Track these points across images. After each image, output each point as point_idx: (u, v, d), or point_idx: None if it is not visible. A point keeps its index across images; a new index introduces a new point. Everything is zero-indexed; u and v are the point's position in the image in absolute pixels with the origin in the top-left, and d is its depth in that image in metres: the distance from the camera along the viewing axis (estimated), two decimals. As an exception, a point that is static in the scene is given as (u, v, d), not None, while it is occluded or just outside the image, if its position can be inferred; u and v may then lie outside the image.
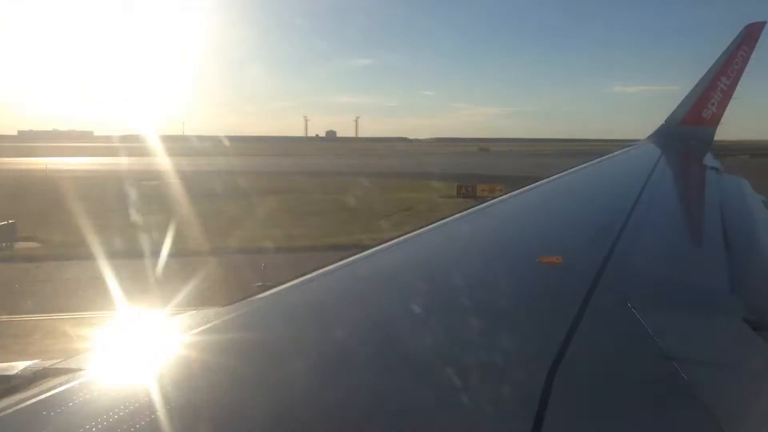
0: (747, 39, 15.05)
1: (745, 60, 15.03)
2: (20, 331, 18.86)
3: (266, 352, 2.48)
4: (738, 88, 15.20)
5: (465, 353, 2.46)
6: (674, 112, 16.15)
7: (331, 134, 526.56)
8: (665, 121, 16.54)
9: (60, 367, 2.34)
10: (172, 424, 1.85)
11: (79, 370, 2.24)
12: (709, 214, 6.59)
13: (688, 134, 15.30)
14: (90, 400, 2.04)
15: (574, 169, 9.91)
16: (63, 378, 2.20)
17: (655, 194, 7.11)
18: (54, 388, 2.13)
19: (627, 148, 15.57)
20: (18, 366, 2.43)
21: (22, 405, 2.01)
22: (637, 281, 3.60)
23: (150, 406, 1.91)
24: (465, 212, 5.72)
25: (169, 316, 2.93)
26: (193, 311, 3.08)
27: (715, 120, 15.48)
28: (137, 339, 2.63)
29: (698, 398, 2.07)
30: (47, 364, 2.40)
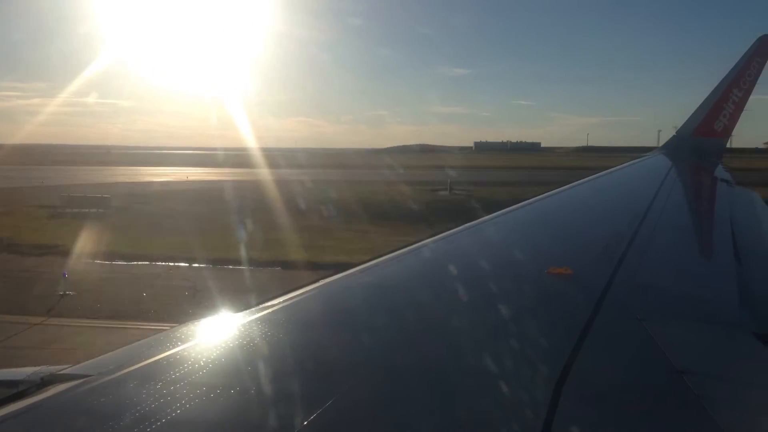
0: (759, 51, 14.97)
1: (758, 72, 14.94)
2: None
3: (277, 358, 2.48)
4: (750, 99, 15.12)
5: (474, 362, 2.46)
6: (686, 123, 16.05)
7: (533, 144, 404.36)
8: (676, 133, 16.46)
9: (67, 373, 2.35)
10: (179, 431, 1.86)
11: (87, 376, 2.25)
12: (720, 227, 6.55)
13: (699, 146, 15.21)
14: (96, 407, 2.05)
15: (585, 180, 9.88)
16: (70, 384, 2.21)
17: (665, 206, 7.07)
18: (61, 393, 2.14)
19: (638, 159, 15.50)
20: (26, 371, 2.45)
21: (30, 410, 2.03)
22: (646, 293, 3.58)
23: (155, 413, 1.92)
24: (475, 222, 5.71)
25: (180, 322, 2.93)
26: (205, 318, 3.09)
27: (727, 131, 15.39)
28: (145, 346, 2.63)
29: (707, 412, 2.06)
30: (54, 369, 2.42)
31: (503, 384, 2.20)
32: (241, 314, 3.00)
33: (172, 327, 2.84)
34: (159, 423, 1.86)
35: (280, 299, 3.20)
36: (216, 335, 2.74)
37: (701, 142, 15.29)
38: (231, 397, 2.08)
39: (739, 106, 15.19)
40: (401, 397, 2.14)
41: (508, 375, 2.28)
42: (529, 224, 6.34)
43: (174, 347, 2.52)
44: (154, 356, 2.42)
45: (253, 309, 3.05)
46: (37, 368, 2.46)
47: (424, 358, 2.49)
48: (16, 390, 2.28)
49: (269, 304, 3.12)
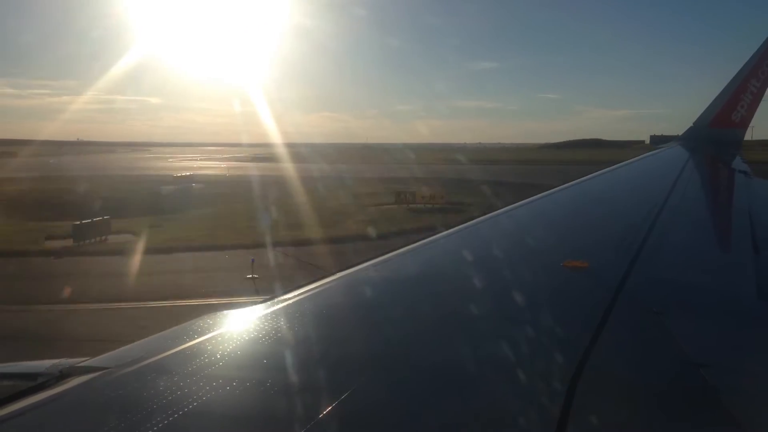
0: None
1: None
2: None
3: (295, 351, 2.49)
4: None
5: (491, 354, 2.45)
6: (703, 114, 15.86)
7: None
8: (693, 124, 16.27)
9: (86, 365, 2.37)
10: (197, 423, 1.87)
11: (105, 368, 2.27)
12: (738, 219, 6.47)
13: (716, 137, 15.03)
14: (115, 399, 2.07)
15: (601, 172, 9.81)
16: (89, 376, 2.23)
17: (682, 198, 7.00)
18: (80, 386, 2.16)
19: (654, 151, 15.35)
20: (44, 364, 2.47)
21: (49, 403, 2.05)
22: (663, 286, 3.55)
23: (174, 406, 1.93)
24: (491, 215, 5.69)
25: (199, 313, 2.95)
26: (224, 310, 3.10)
27: (745, 122, 15.18)
28: (163, 338, 2.65)
29: (725, 405, 2.04)
30: (73, 362, 2.44)
31: (520, 376, 2.20)
32: (259, 306, 3.01)
33: (192, 319, 2.85)
34: (178, 415, 1.88)
35: (297, 292, 3.21)
36: (234, 327, 2.76)
37: (719, 133, 15.10)
38: (249, 390, 2.09)
39: (757, 97, 14.98)
40: (419, 387, 2.14)
41: (525, 367, 2.27)
42: (545, 217, 6.31)
43: (192, 340, 2.54)
44: (173, 348, 2.44)
45: (270, 301, 3.07)
46: (56, 361, 2.48)
47: (441, 349, 2.49)
48: (35, 383, 2.30)
49: (286, 296, 3.13)
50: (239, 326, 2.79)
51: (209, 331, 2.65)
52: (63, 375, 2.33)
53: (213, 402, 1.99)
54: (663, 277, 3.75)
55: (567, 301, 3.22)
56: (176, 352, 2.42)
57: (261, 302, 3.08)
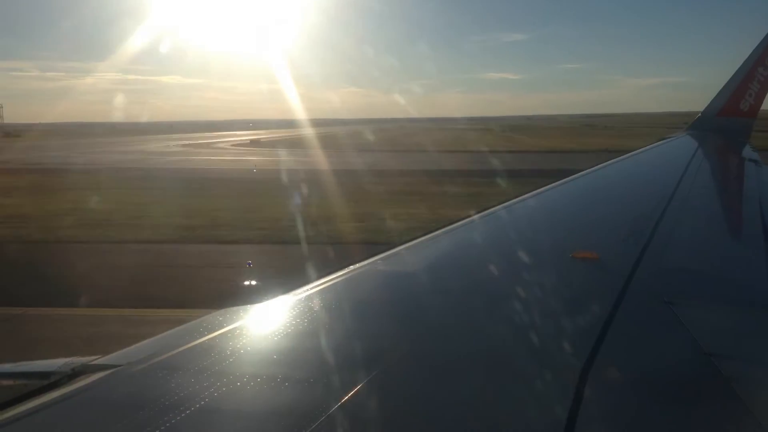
0: None
1: None
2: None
3: (309, 346, 2.50)
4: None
5: (501, 345, 2.45)
6: (711, 103, 15.75)
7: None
8: (702, 113, 16.15)
9: (99, 363, 2.39)
10: (210, 420, 1.88)
11: (118, 366, 2.28)
12: (748, 208, 6.43)
13: (725, 126, 14.92)
14: (128, 397, 2.08)
15: (609, 162, 9.76)
16: (102, 374, 2.24)
17: (692, 188, 6.96)
18: (93, 384, 2.17)
19: (663, 141, 15.27)
20: (57, 362, 2.49)
21: (62, 401, 2.06)
22: (673, 276, 3.54)
23: (186, 403, 1.94)
24: (499, 206, 5.68)
25: (211, 311, 2.95)
26: (236, 306, 3.11)
27: (754, 111, 15.05)
28: (175, 335, 2.66)
29: (737, 395, 2.03)
30: (86, 360, 2.45)
31: (531, 367, 2.19)
32: (270, 302, 3.02)
33: (203, 316, 2.86)
34: (190, 412, 1.88)
35: (308, 287, 3.22)
36: (246, 324, 2.76)
37: (728, 122, 14.99)
38: (262, 386, 2.09)
39: (765, 85, 14.84)
40: (430, 379, 2.15)
41: (536, 357, 2.27)
42: (554, 208, 6.30)
43: (203, 336, 2.55)
44: (185, 345, 2.45)
45: (281, 297, 3.07)
46: (68, 359, 2.50)
47: (452, 341, 2.50)
48: (48, 381, 2.32)
49: (297, 292, 3.14)
50: (251, 323, 2.80)
51: (221, 328, 2.66)
52: (75, 373, 2.34)
53: (226, 398, 2.00)
54: (673, 267, 3.73)
55: (577, 292, 3.21)
56: (188, 349, 2.43)
57: (272, 299, 3.08)
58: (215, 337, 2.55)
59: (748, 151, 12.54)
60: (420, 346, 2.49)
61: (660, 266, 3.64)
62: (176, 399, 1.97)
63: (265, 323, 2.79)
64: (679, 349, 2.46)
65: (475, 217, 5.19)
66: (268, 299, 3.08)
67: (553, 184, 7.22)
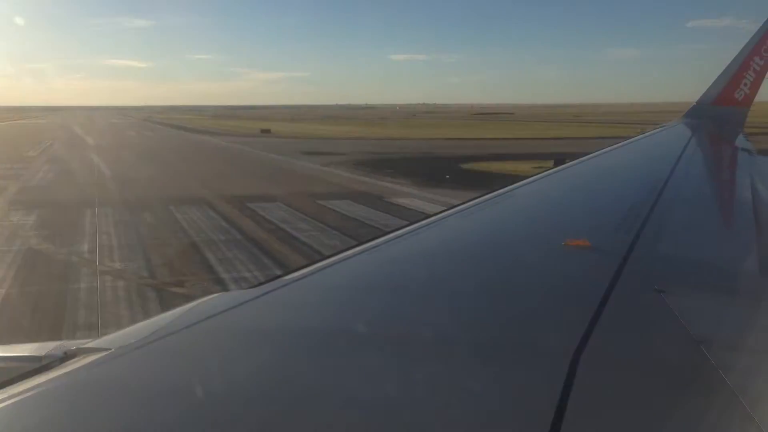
0: None
1: None
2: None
3: (305, 331, 2.50)
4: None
5: (490, 334, 2.46)
6: (706, 92, 15.76)
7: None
8: (696, 102, 16.18)
9: (91, 347, 2.38)
10: (201, 404, 1.88)
11: (107, 350, 2.28)
12: (741, 197, 6.46)
13: (720, 115, 14.95)
14: (119, 380, 2.08)
15: (602, 150, 9.77)
16: (92, 358, 2.24)
17: (685, 176, 6.98)
18: (84, 367, 2.17)
19: (656, 129, 15.29)
20: (47, 346, 2.48)
21: (54, 384, 2.06)
22: (665, 265, 3.55)
23: (177, 388, 1.94)
24: (490, 195, 5.67)
25: (203, 297, 2.95)
26: (225, 292, 3.11)
27: (748, 101, 15.07)
28: (166, 319, 2.66)
29: (727, 383, 2.04)
30: (77, 343, 2.45)
31: (521, 354, 2.20)
32: (264, 286, 3.01)
33: (196, 300, 2.85)
34: (181, 397, 1.89)
35: (305, 271, 3.22)
36: (240, 308, 2.76)
37: (722, 112, 15.02)
38: (255, 371, 2.10)
39: (760, 75, 14.84)
40: (420, 365, 2.15)
41: (526, 345, 2.28)
42: (545, 196, 6.30)
43: (196, 321, 2.54)
44: (177, 329, 2.44)
45: (274, 281, 3.07)
46: (59, 342, 2.49)
47: (443, 329, 2.50)
48: (40, 364, 2.32)
49: (294, 276, 3.14)
50: (244, 308, 2.79)
51: (214, 312, 2.66)
52: (67, 356, 2.34)
53: (217, 383, 2.00)
54: (665, 256, 3.75)
55: (568, 280, 3.22)
56: (180, 334, 2.42)
57: (267, 283, 3.08)
58: (208, 321, 2.55)
59: (741, 140, 12.58)
60: (410, 332, 2.50)
61: (652, 254, 3.66)
62: (168, 383, 1.97)
63: (259, 308, 2.78)
64: (669, 337, 2.47)
65: (467, 204, 5.19)
66: (262, 285, 3.07)
67: (544, 173, 7.23)
